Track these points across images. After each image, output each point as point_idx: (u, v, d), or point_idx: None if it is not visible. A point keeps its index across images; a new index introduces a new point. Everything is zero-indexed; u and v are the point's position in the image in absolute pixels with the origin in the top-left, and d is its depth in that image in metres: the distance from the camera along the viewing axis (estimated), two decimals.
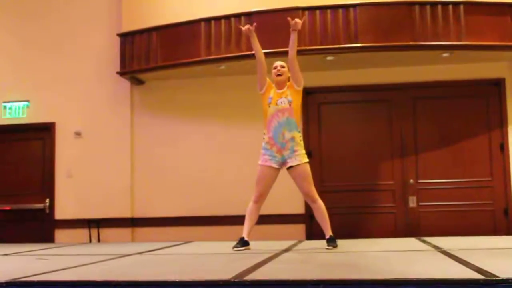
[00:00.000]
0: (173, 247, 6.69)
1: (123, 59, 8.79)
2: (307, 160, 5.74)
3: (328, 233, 5.73)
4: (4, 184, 9.45)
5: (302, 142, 5.75)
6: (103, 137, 9.21)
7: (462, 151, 8.56)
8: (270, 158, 5.71)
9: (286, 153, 5.66)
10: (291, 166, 5.67)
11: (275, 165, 5.72)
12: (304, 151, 5.73)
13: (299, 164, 5.64)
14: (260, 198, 5.78)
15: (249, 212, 5.81)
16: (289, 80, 5.81)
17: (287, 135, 5.65)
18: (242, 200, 8.63)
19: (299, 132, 5.74)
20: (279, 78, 5.79)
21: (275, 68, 5.82)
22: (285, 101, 5.70)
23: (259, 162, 5.78)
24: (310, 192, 5.70)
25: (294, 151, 5.65)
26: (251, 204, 5.81)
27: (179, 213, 8.86)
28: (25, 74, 9.50)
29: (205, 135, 8.99)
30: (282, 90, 5.77)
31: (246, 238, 5.74)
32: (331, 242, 5.66)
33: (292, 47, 5.71)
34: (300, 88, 5.80)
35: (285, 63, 5.83)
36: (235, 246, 5.67)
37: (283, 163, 5.72)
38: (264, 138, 5.79)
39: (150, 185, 9.05)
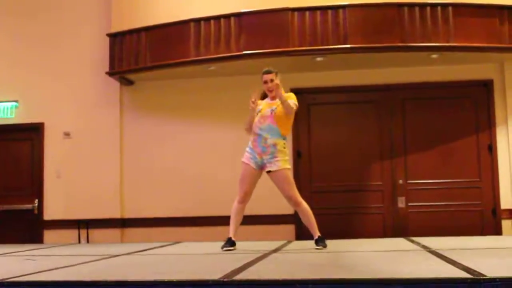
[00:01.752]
0: (162, 247, 6.68)
1: (113, 59, 8.77)
2: (288, 167, 5.76)
3: (316, 234, 5.75)
4: None
5: (285, 150, 5.76)
6: (92, 137, 9.19)
7: (450, 152, 8.60)
8: (251, 157, 5.77)
9: (265, 157, 5.69)
10: (270, 171, 5.71)
11: (253, 166, 5.75)
12: (286, 158, 5.74)
13: (277, 170, 5.67)
14: (245, 198, 5.82)
15: (235, 213, 5.84)
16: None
17: (269, 141, 5.67)
18: (231, 201, 8.65)
19: (284, 140, 5.75)
20: (271, 94, 5.82)
21: (266, 82, 5.81)
22: (268, 110, 5.74)
23: (242, 159, 5.84)
24: (292, 196, 5.71)
25: (274, 157, 5.67)
26: (235, 205, 5.85)
27: (168, 214, 8.84)
28: (13, 74, 9.45)
29: (195, 135, 8.99)
30: (272, 102, 5.81)
31: (233, 239, 5.77)
32: (321, 242, 5.68)
33: (286, 104, 5.68)
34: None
35: (273, 74, 5.80)
36: (224, 246, 5.71)
37: (262, 166, 5.75)
38: (250, 140, 5.84)
39: (139, 186, 9.03)
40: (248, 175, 5.78)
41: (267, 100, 5.88)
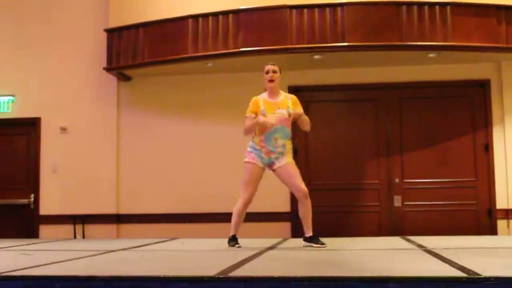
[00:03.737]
0: (158, 243, 6.68)
1: (110, 55, 8.75)
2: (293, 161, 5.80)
3: (310, 232, 5.73)
4: None
5: (291, 150, 5.79)
6: (89, 133, 9.18)
7: (447, 151, 8.61)
8: (256, 157, 5.70)
9: (273, 156, 5.67)
10: (278, 166, 5.67)
11: (261, 165, 5.71)
12: (291, 156, 5.78)
13: (285, 164, 5.65)
14: (250, 200, 5.74)
15: (238, 214, 5.76)
16: (278, 88, 5.82)
17: (280, 142, 5.66)
18: (228, 198, 8.63)
19: (290, 140, 5.78)
20: (272, 84, 5.75)
21: (267, 73, 5.77)
22: (285, 112, 5.69)
23: (246, 159, 5.75)
24: (300, 186, 5.65)
25: (282, 154, 5.68)
26: (240, 208, 5.74)
27: (164, 210, 8.84)
28: (10, 68, 9.43)
29: (192, 132, 8.98)
30: (277, 101, 5.75)
31: (235, 234, 5.78)
32: (316, 240, 5.67)
33: (307, 126, 5.85)
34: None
35: (277, 67, 5.80)
36: (232, 243, 5.70)
37: (269, 164, 5.72)
38: (253, 139, 5.75)
39: (135, 182, 9.03)
40: (256, 175, 5.71)
41: (264, 97, 5.79)
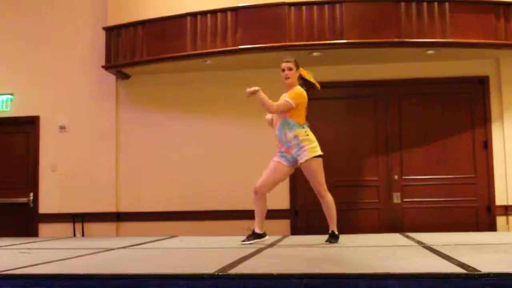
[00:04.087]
0: (158, 241, 6.68)
1: (109, 53, 8.75)
2: (318, 153, 5.67)
3: (332, 228, 5.78)
4: None
5: (309, 137, 5.69)
6: (88, 131, 9.18)
7: (446, 148, 8.62)
8: (281, 156, 5.77)
9: (293, 151, 5.67)
10: (300, 163, 5.68)
11: (285, 163, 5.74)
12: (313, 145, 5.66)
13: (306, 161, 5.63)
14: (259, 190, 5.76)
15: (254, 206, 5.84)
16: (295, 84, 5.79)
17: (289, 135, 5.65)
18: (227, 196, 8.70)
19: (303, 128, 5.69)
20: (287, 81, 5.80)
21: (283, 70, 5.81)
22: None
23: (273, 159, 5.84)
24: (317, 187, 5.71)
25: (301, 147, 5.64)
26: (252, 197, 5.83)
27: (163, 208, 8.85)
28: (9, 67, 9.43)
29: (191, 130, 8.98)
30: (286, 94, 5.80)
31: (257, 231, 5.80)
32: (332, 238, 5.73)
33: (264, 107, 5.71)
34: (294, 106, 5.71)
35: (292, 63, 5.79)
36: (250, 239, 5.76)
37: (294, 161, 5.73)
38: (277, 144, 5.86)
39: (135, 180, 9.02)
40: (277, 169, 5.74)
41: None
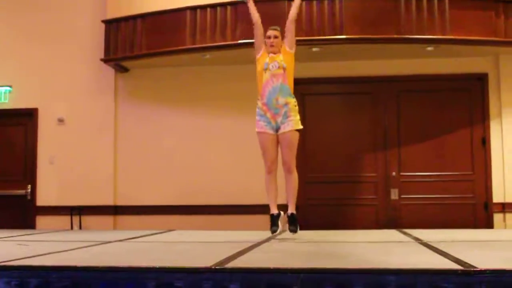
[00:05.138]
0: (155, 235, 6.68)
1: (108, 46, 8.74)
2: (300, 127, 5.64)
3: (292, 208, 5.70)
4: None
5: (297, 108, 5.65)
6: (86, 124, 9.17)
7: (444, 144, 8.62)
8: (265, 124, 5.63)
9: (279, 119, 5.58)
10: (282, 132, 5.59)
11: (270, 131, 5.63)
12: (298, 117, 5.63)
13: (290, 131, 5.57)
14: (272, 167, 5.70)
15: (267, 186, 5.75)
16: (281, 45, 5.74)
17: (281, 101, 5.57)
18: (226, 190, 8.70)
19: (294, 98, 5.64)
20: (273, 49, 5.71)
21: (269, 38, 5.73)
22: (278, 65, 5.62)
23: (256, 129, 5.70)
24: (291, 160, 5.62)
25: (288, 116, 5.57)
26: (266, 177, 5.74)
27: (161, 202, 8.85)
28: (7, 59, 9.41)
29: (189, 123, 8.97)
30: (276, 55, 5.69)
31: (275, 213, 5.70)
32: (293, 224, 5.64)
33: (295, 7, 5.71)
34: (293, 51, 5.72)
35: (278, 31, 5.76)
36: (271, 229, 5.67)
37: (277, 129, 5.63)
38: (258, 104, 5.70)
39: (133, 173, 9.02)
40: (269, 143, 5.64)
41: (266, 52, 5.74)
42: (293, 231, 5.65)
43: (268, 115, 5.62)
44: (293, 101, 5.63)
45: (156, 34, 8.41)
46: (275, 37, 5.72)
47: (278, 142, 5.67)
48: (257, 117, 5.68)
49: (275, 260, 4.05)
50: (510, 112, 8.51)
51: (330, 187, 8.68)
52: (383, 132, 8.74)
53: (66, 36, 9.30)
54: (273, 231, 5.66)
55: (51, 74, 9.28)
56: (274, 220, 5.69)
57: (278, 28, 5.78)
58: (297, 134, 5.64)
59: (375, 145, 8.73)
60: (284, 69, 5.62)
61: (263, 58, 5.72)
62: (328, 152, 8.78)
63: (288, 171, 5.66)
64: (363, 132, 8.76)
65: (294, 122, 5.59)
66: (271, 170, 5.71)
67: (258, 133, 5.68)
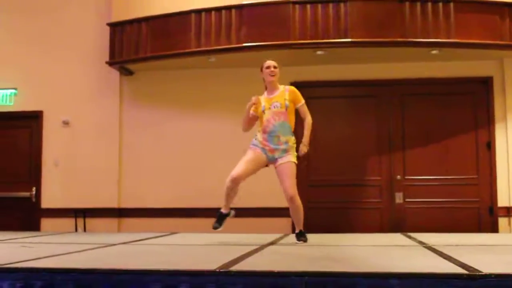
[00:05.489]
0: (159, 237, 6.68)
1: (113, 49, 8.76)
2: (296, 161, 5.62)
3: (299, 228, 5.69)
4: None
5: (295, 146, 5.66)
6: (91, 126, 9.19)
7: (449, 148, 8.61)
8: (260, 149, 5.61)
9: (277, 153, 5.57)
10: (280, 164, 5.56)
11: (264, 156, 5.60)
12: (295, 154, 5.63)
13: (288, 161, 5.55)
14: (239, 179, 5.61)
15: (228, 192, 5.72)
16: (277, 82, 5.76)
17: (282, 139, 5.57)
18: None
19: (293, 136, 5.64)
20: (272, 78, 5.69)
21: (268, 67, 5.70)
22: (280, 105, 5.61)
23: (250, 145, 5.69)
24: (291, 188, 5.52)
25: (286, 151, 5.56)
26: (228, 185, 5.66)
27: (166, 204, 8.85)
28: (13, 61, 9.43)
29: (194, 126, 8.98)
30: (274, 95, 5.67)
31: (223, 211, 5.76)
32: (302, 236, 5.64)
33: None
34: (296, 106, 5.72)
35: (275, 62, 5.74)
36: (213, 226, 5.74)
37: (272, 161, 5.63)
38: (257, 136, 5.68)
39: (137, 176, 9.03)
40: (255, 159, 5.60)
41: (264, 95, 5.75)
42: (303, 241, 5.62)
43: (267, 148, 5.60)
44: (292, 139, 5.64)
45: (161, 37, 8.43)
46: (275, 67, 5.72)
47: (261, 167, 5.67)
48: (255, 142, 5.68)
49: (279, 263, 4.06)
50: None
51: (334, 190, 8.68)
52: (387, 135, 8.73)
53: (71, 39, 9.32)
54: (214, 228, 5.72)
55: (56, 77, 9.31)
56: (220, 218, 5.75)
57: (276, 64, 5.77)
58: (295, 166, 5.61)
59: (380, 148, 8.72)
60: (286, 108, 5.62)
61: (259, 104, 5.69)
62: (333, 155, 8.77)
63: (291, 200, 5.57)
64: (368, 135, 8.75)
65: (292, 156, 5.59)
66: (233, 180, 5.62)
67: (251, 147, 5.67)
